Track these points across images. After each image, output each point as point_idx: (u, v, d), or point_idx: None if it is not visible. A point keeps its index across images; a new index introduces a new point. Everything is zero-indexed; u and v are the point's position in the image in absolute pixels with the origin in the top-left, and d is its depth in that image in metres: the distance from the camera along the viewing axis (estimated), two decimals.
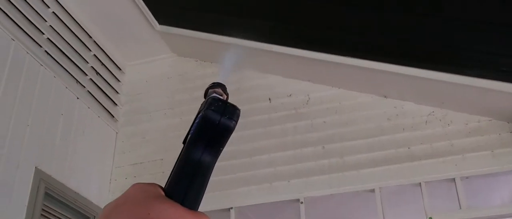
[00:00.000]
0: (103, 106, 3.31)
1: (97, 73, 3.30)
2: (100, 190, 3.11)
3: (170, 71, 3.55)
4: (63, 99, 2.94)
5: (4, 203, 2.36)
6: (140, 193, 0.56)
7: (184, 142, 0.63)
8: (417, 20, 2.46)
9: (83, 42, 3.17)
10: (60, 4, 2.98)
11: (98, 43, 3.32)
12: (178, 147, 0.60)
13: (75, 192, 2.85)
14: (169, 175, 0.60)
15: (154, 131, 3.36)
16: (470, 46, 2.48)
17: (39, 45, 2.77)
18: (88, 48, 3.22)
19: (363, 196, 2.81)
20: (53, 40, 2.88)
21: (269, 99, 3.22)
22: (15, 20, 2.61)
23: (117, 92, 3.51)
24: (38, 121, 2.68)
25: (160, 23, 3.32)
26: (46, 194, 2.63)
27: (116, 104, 3.46)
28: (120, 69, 3.57)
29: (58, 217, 2.74)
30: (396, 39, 2.70)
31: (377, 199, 2.76)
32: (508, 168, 2.65)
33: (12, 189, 2.42)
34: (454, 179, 2.70)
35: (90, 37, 3.25)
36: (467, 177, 2.70)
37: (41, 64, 2.77)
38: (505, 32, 2.26)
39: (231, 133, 0.60)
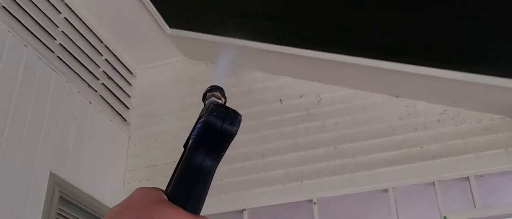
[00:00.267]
0: (115, 110, 3.33)
1: (109, 77, 3.33)
2: (113, 193, 3.13)
3: (181, 74, 3.57)
4: (76, 103, 2.96)
5: (20, 207, 2.39)
6: (143, 197, 0.56)
7: (184, 146, 0.63)
8: (428, 18, 2.45)
9: (94, 47, 3.19)
10: (72, 10, 3.01)
11: (110, 48, 3.35)
12: None
13: (89, 196, 2.88)
14: (170, 179, 0.61)
15: (166, 134, 3.38)
16: (482, 44, 2.47)
17: (52, 50, 2.80)
18: (100, 53, 3.25)
19: (377, 196, 2.79)
20: (65, 46, 2.91)
21: (280, 100, 3.22)
22: (28, 27, 2.65)
23: (129, 96, 3.53)
24: (51, 126, 2.71)
25: (171, 26, 3.34)
26: (61, 198, 2.66)
27: (128, 108, 3.49)
28: (131, 73, 3.60)
29: None
30: (407, 38, 2.69)
31: (391, 199, 2.75)
32: None
33: (27, 194, 2.45)
34: (468, 178, 2.68)
35: (102, 41, 3.27)
36: (481, 176, 2.68)
37: (53, 70, 2.80)
38: None
39: (233, 139, 0.60)
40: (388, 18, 2.56)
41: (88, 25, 3.14)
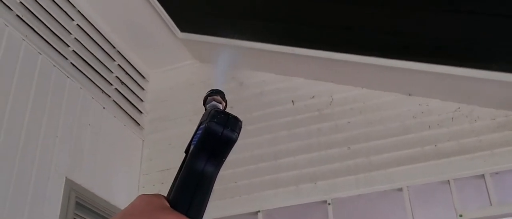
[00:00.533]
0: (128, 115, 3.36)
1: (122, 82, 3.35)
2: (129, 197, 3.15)
3: (193, 78, 3.59)
4: (90, 109, 2.99)
5: (37, 214, 2.42)
6: (145, 204, 0.57)
7: (186, 152, 0.64)
8: (440, 16, 2.43)
9: (107, 53, 3.23)
10: (84, 16, 3.04)
11: (122, 53, 3.38)
12: None
13: (105, 201, 2.90)
14: (171, 184, 0.61)
15: (180, 137, 3.39)
16: (496, 40, 2.45)
17: (65, 57, 2.84)
18: (112, 58, 3.28)
19: (391, 196, 2.78)
20: (78, 52, 2.95)
21: (292, 101, 3.22)
22: (42, 34, 2.68)
23: (142, 100, 3.56)
24: (66, 132, 2.74)
25: (182, 30, 3.36)
26: (77, 203, 2.69)
27: (141, 112, 3.51)
28: (144, 78, 3.63)
29: None
30: (419, 36, 2.68)
31: (406, 198, 2.73)
32: None
33: (44, 200, 2.48)
34: (483, 175, 2.65)
35: (114, 47, 3.30)
36: (496, 173, 2.65)
37: (67, 76, 2.83)
38: None
39: (233, 145, 0.61)
40: (400, 16, 2.55)
41: (100, 31, 3.17)
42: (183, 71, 3.64)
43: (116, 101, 3.25)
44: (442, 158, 2.74)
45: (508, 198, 2.58)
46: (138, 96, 3.51)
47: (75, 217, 2.66)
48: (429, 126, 2.85)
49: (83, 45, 3.01)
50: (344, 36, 2.89)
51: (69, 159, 2.72)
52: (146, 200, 0.58)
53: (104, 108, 3.12)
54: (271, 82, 3.32)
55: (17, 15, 2.55)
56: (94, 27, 3.12)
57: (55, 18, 2.79)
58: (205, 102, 0.69)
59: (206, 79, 3.55)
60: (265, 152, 3.09)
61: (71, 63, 2.88)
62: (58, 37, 2.80)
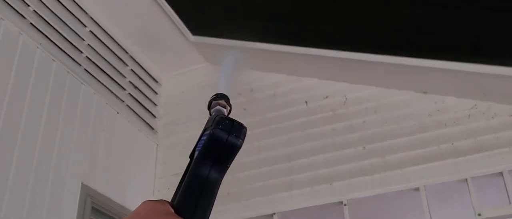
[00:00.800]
0: (142, 119, 3.37)
1: (135, 87, 3.37)
2: (143, 201, 3.16)
3: (205, 81, 3.59)
4: (104, 114, 3.01)
5: None
6: (150, 211, 0.57)
7: (190, 157, 0.63)
8: (454, 12, 2.40)
9: (120, 58, 3.24)
10: (96, 23, 3.06)
11: (134, 58, 3.39)
12: None
13: (120, 205, 2.91)
14: (175, 190, 0.61)
15: (194, 141, 3.37)
16: (511, 36, 2.41)
17: (79, 64, 2.86)
18: (125, 63, 3.30)
19: (408, 195, 2.75)
20: (91, 58, 2.96)
21: (306, 102, 3.20)
22: (55, 42, 2.70)
23: (155, 105, 3.57)
24: (81, 138, 2.76)
25: (194, 34, 3.36)
26: (93, 208, 2.70)
27: (155, 116, 3.52)
28: (157, 82, 3.64)
29: None
30: (433, 33, 2.65)
31: (423, 198, 2.70)
32: None
33: (60, 206, 2.49)
34: (501, 173, 2.61)
35: (127, 52, 3.32)
36: None
37: (81, 82, 2.85)
38: None
39: (238, 151, 0.60)
40: (413, 13, 2.53)
41: (113, 37, 3.19)
42: (196, 74, 3.64)
43: (130, 106, 3.26)
44: (459, 156, 2.71)
45: None
46: (151, 101, 3.52)
47: None
48: (445, 124, 2.82)
49: (96, 51, 3.03)
50: (357, 35, 2.87)
51: (85, 165, 2.74)
52: (151, 206, 0.58)
53: (118, 113, 3.14)
54: (284, 83, 3.31)
55: (31, 23, 2.57)
56: (107, 33, 3.14)
57: (68, 25, 2.82)
58: (209, 106, 0.68)
59: (218, 81, 3.55)
60: (279, 153, 3.08)
61: (85, 69, 2.90)
62: (72, 44, 2.82)
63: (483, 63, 2.56)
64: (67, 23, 2.81)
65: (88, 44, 2.96)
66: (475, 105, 2.80)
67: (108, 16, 3.14)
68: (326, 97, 3.16)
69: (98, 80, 3.00)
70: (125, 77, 3.26)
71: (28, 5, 2.57)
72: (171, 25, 3.24)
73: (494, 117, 2.74)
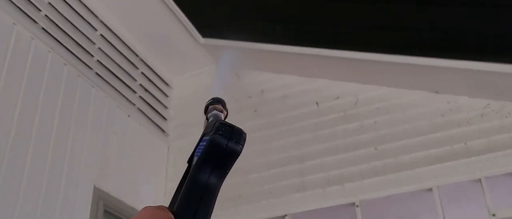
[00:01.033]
0: (153, 122, 3.38)
1: (146, 90, 3.38)
2: (155, 204, 3.16)
3: None
4: (115, 118, 3.02)
5: None
6: (151, 217, 0.57)
7: (188, 162, 0.63)
8: (466, 10, 2.38)
9: (130, 61, 3.26)
10: (107, 26, 3.08)
11: (145, 61, 3.41)
12: None
13: (132, 208, 2.92)
14: (173, 195, 0.61)
15: None
16: None
17: (90, 67, 2.87)
18: (136, 67, 3.31)
19: (421, 196, 2.73)
20: (102, 62, 2.98)
21: (317, 103, 3.19)
22: (67, 46, 2.72)
23: (166, 107, 3.58)
24: (93, 141, 2.77)
25: (204, 36, 3.37)
26: (105, 211, 2.71)
27: (166, 119, 3.53)
28: (167, 85, 3.65)
29: None
30: (445, 33, 2.63)
31: (436, 198, 2.67)
32: None
33: (73, 209, 2.51)
34: None
35: (137, 55, 3.33)
36: None
37: (92, 86, 2.87)
38: None
39: (238, 157, 0.60)
40: (424, 12, 2.51)
41: (123, 40, 3.20)
42: (206, 76, 3.64)
43: (141, 109, 3.27)
44: (472, 156, 2.68)
45: None
46: (162, 103, 3.53)
47: None
48: (458, 124, 2.79)
49: (107, 55, 3.04)
50: (368, 35, 2.85)
51: (97, 168, 2.75)
52: (151, 212, 0.58)
53: (129, 116, 3.15)
54: (295, 84, 3.30)
55: (42, 28, 2.59)
56: (117, 36, 3.16)
57: (79, 29, 2.83)
58: (206, 111, 0.68)
59: (228, 83, 3.55)
60: (290, 155, 3.07)
61: (96, 73, 2.92)
62: (83, 47, 2.84)
63: (495, 61, 2.53)
64: (78, 27, 2.83)
65: (99, 48, 2.98)
66: (488, 104, 2.77)
67: (118, 19, 3.16)
68: (337, 97, 3.15)
69: (109, 84, 3.01)
70: (136, 80, 3.27)
71: (40, 10, 2.59)
72: (181, 28, 3.25)
73: (508, 116, 2.70)
